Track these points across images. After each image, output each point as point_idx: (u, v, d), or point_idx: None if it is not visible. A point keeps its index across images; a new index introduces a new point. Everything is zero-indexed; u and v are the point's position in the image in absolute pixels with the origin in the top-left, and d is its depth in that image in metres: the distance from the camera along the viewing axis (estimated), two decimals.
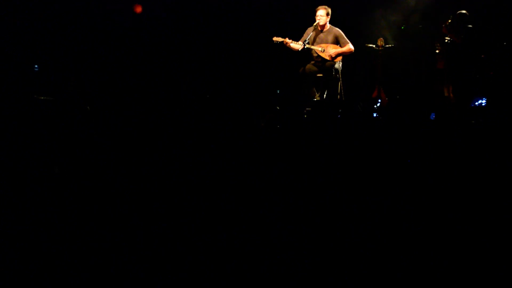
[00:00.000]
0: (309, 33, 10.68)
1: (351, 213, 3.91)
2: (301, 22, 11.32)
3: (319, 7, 10.70)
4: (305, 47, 10.54)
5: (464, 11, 11.15)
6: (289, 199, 4.13)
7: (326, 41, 10.70)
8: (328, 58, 10.61)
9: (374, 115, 10.78)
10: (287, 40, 10.58)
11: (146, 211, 4.11)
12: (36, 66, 12.08)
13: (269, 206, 4.04)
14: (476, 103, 10.97)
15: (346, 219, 3.86)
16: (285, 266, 3.38)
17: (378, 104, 11.39)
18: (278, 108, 9.47)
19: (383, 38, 11.76)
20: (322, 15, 10.64)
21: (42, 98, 9.57)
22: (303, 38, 10.70)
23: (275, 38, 10.70)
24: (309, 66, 10.80)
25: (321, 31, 10.77)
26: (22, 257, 3.57)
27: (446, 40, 11.18)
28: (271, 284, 3.27)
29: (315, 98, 10.70)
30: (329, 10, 10.71)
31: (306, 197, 4.14)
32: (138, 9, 12.66)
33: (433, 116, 8.32)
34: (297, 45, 10.58)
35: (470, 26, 11.16)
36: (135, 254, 3.58)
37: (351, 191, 4.26)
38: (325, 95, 10.80)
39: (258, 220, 3.88)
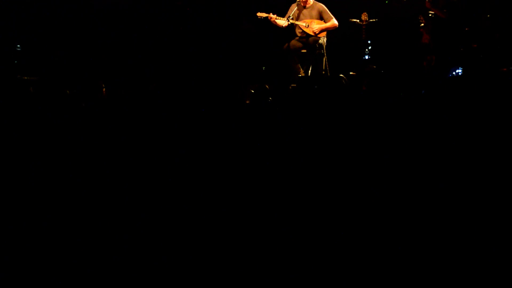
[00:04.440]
0: (293, 9, 10.63)
1: (351, 213, 3.94)
2: None
3: None
4: (289, 22, 10.50)
5: None
6: (289, 199, 4.15)
7: (310, 16, 10.63)
8: (312, 33, 10.57)
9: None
10: (271, 15, 10.55)
11: (146, 211, 4.12)
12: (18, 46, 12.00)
13: (269, 206, 4.06)
14: (454, 73, 11.02)
15: (346, 219, 3.89)
16: (285, 266, 3.41)
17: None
18: (264, 85, 9.45)
19: (367, 13, 11.72)
20: None
21: (26, 78, 9.47)
22: (287, 15, 10.64)
23: (259, 14, 10.65)
24: (294, 42, 10.74)
25: (304, 7, 10.68)
26: (22, 257, 3.58)
27: (430, 15, 11.21)
28: (271, 284, 3.30)
29: (300, 74, 10.67)
30: None
31: (306, 197, 4.16)
32: None
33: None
34: (281, 21, 10.55)
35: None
36: (135, 254, 3.59)
37: (351, 189, 4.28)
38: (310, 71, 10.78)
39: (258, 220, 3.91)
